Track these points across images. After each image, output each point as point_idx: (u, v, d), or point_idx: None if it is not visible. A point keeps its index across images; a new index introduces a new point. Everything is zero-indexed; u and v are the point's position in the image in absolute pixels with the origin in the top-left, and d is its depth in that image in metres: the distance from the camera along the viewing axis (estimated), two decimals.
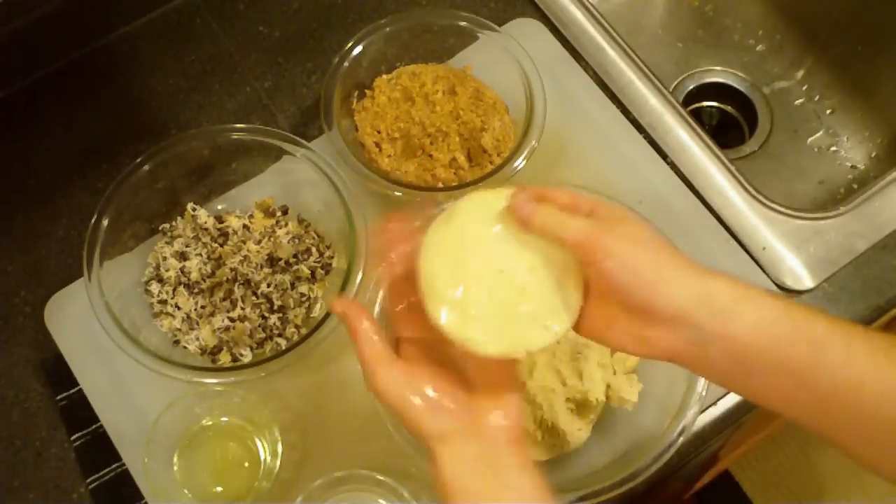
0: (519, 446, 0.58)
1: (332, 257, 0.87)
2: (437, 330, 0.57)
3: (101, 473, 0.81)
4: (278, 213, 0.89)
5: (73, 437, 0.82)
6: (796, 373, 0.52)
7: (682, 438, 0.72)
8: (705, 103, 1.20)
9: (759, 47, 1.20)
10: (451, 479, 0.56)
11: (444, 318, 0.56)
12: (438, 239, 0.58)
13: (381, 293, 0.72)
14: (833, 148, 1.14)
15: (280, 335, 0.83)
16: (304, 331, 0.83)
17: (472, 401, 0.58)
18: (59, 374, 0.84)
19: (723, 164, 0.93)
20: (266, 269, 0.85)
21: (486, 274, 0.57)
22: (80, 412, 0.83)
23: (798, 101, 1.17)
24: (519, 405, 0.59)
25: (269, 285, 0.84)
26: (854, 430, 0.54)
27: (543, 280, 0.57)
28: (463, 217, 0.58)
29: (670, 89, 1.07)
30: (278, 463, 0.77)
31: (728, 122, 1.20)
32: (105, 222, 0.81)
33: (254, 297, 0.83)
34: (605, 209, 0.57)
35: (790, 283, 0.88)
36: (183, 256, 0.86)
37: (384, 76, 0.93)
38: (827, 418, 0.54)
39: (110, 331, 0.78)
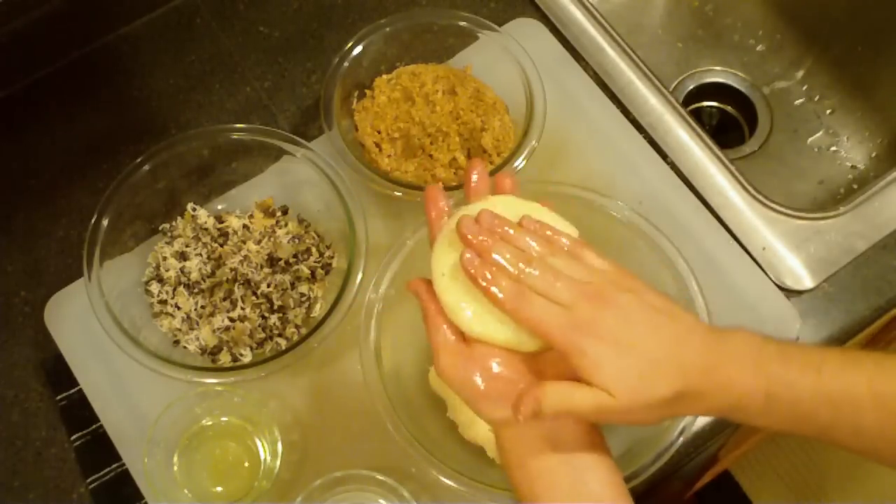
0: (583, 425, 0.59)
1: (332, 257, 0.87)
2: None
3: (101, 473, 0.81)
4: (278, 213, 0.89)
5: (73, 437, 0.82)
6: (783, 428, 0.57)
7: (682, 438, 0.72)
8: (705, 103, 1.20)
9: (759, 47, 1.20)
10: (513, 458, 0.59)
11: (477, 329, 0.58)
12: (444, 262, 0.60)
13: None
14: (833, 148, 1.14)
15: (280, 335, 0.83)
16: (304, 331, 0.83)
17: (537, 381, 0.58)
18: (59, 374, 0.84)
19: (723, 164, 0.93)
20: (266, 269, 0.85)
21: None
22: (80, 412, 0.83)
23: (798, 101, 1.17)
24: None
25: (269, 285, 0.84)
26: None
27: None
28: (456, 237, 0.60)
29: (670, 89, 1.07)
30: (278, 463, 0.77)
31: (728, 122, 1.19)
32: (105, 222, 0.81)
33: (254, 297, 0.83)
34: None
35: (790, 283, 0.88)
36: (183, 256, 0.86)
37: (384, 76, 0.93)
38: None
39: (110, 331, 0.78)
